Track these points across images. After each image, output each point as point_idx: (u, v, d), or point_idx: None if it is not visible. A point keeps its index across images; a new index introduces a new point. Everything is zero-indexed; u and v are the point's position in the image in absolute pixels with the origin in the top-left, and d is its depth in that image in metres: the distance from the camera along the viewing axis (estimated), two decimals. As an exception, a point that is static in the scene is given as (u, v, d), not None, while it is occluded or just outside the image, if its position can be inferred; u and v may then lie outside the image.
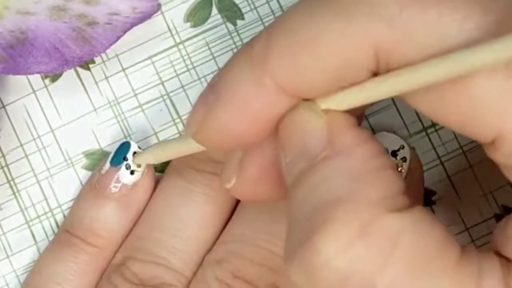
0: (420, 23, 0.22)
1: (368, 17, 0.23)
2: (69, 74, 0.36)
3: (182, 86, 0.37)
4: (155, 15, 0.35)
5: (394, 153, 0.33)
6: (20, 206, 0.36)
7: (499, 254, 0.24)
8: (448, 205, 0.36)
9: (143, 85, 0.37)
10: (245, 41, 0.37)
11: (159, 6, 0.34)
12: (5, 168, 0.36)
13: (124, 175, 0.34)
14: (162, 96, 0.37)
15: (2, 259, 0.36)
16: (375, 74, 0.24)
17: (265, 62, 0.24)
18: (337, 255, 0.22)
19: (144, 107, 0.37)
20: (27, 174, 0.36)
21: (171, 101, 0.37)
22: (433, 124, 0.36)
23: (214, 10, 0.37)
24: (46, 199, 0.36)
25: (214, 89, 0.25)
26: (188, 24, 0.37)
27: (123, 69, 0.37)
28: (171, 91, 0.37)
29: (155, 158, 0.33)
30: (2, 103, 0.37)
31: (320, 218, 0.23)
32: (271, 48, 0.24)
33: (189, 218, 0.34)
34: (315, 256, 0.22)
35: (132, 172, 0.34)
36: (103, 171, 0.34)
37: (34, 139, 0.37)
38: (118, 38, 0.34)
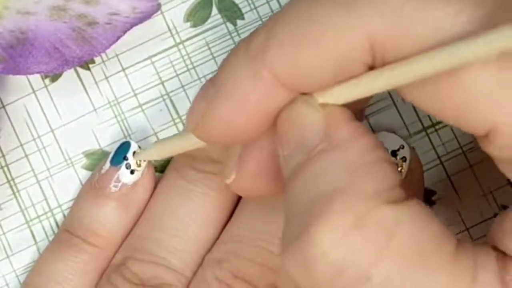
0: (415, 17, 0.22)
1: (365, 10, 0.23)
2: (69, 74, 0.37)
3: (182, 86, 0.37)
4: (155, 15, 0.35)
5: (394, 153, 0.33)
6: (20, 206, 0.36)
7: (495, 248, 0.24)
8: (448, 205, 0.36)
9: (143, 85, 0.37)
10: (245, 41, 0.37)
11: (159, 6, 0.34)
12: (5, 168, 0.36)
13: (124, 175, 0.34)
14: (162, 96, 0.37)
15: (2, 259, 0.36)
16: (371, 68, 0.24)
17: (264, 56, 0.24)
18: (333, 247, 0.22)
19: (144, 107, 0.37)
20: (27, 174, 0.36)
21: (171, 101, 0.37)
22: (433, 124, 0.36)
23: (214, 10, 0.37)
24: (46, 199, 0.36)
25: (214, 83, 0.25)
26: (188, 24, 0.37)
27: (123, 69, 0.37)
28: (171, 91, 0.37)
29: (158, 154, 0.33)
30: (2, 103, 0.37)
31: (317, 210, 0.23)
32: (270, 41, 0.24)
33: (189, 218, 0.34)
34: (312, 248, 0.22)
35: (132, 172, 0.34)
36: (103, 171, 0.34)
37: (34, 139, 0.37)
38: (118, 38, 0.34)
